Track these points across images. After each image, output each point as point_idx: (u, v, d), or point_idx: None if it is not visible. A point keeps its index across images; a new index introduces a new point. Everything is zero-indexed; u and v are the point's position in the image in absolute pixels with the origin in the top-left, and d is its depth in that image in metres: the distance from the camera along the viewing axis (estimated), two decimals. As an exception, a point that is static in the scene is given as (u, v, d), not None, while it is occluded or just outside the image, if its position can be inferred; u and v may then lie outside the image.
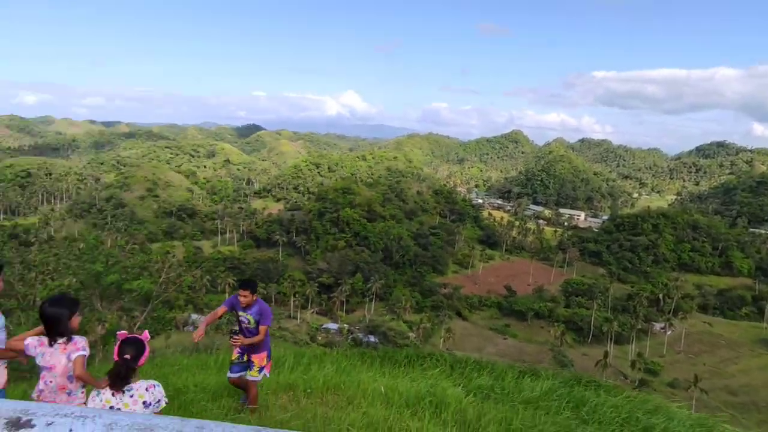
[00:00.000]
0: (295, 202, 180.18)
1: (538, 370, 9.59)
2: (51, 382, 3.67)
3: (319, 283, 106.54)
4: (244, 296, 5.80)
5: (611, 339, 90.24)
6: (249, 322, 5.89)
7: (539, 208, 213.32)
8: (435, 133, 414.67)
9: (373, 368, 9.48)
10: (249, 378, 5.98)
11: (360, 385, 7.04)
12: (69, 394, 3.67)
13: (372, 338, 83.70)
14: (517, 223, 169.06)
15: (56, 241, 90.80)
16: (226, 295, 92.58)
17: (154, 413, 3.42)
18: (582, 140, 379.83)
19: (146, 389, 3.42)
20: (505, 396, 7.47)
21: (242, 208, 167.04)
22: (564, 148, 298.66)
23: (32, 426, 1.39)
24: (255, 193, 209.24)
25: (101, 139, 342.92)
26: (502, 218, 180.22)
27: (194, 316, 77.20)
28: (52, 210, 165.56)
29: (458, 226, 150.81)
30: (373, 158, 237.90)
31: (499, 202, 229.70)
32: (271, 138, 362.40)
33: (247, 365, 6.02)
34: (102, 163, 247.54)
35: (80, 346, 3.70)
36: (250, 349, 6.00)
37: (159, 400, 3.47)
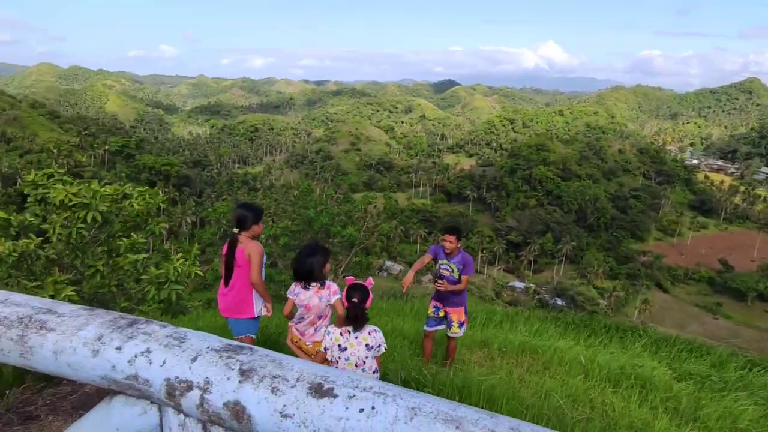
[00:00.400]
0: (487, 158, 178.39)
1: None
2: (306, 317, 4.22)
3: (507, 241, 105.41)
4: (450, 242, 5.63)
5: None
6: (452, 271, 5.70)
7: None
8: (644, 84, 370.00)
9: (567, 335, 9.13)
10: (451, 335, 6.01)
11: (557, 352, 6.84)
12: (315, 329, 4.25)
13: (559, 301, 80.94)
14: (742, 188, 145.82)
15: (276, 188, 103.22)
16: (418, 246, 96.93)
17: (375, 357, 3.76)
18: None
19: (368, 333, 3.73)
20: (727, 388, 6.58)
21: (435, 163, 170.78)
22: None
23: (335, 396, 1.36)
24: (448, 148, 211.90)
25: (313, 97, 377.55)
26: (722, 182, 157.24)
27: (388, 263, 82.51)
28: (273, 161, 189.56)
29: (665, 189, 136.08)
30: (570, 113, 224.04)
31: (720, 163, 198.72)
32: (465, 93, 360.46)
33: (444, 320, 6.01)
34: (313, 119, 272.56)
35: (334, 289, 4.14)
36: (446, 303, 5.93)
37: (380, 345, 3.73)
